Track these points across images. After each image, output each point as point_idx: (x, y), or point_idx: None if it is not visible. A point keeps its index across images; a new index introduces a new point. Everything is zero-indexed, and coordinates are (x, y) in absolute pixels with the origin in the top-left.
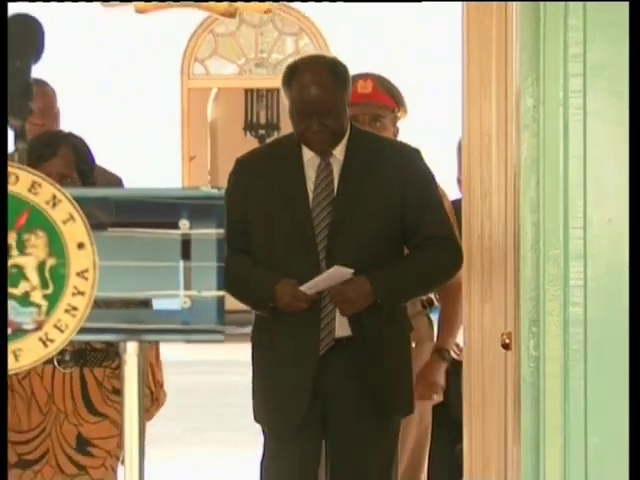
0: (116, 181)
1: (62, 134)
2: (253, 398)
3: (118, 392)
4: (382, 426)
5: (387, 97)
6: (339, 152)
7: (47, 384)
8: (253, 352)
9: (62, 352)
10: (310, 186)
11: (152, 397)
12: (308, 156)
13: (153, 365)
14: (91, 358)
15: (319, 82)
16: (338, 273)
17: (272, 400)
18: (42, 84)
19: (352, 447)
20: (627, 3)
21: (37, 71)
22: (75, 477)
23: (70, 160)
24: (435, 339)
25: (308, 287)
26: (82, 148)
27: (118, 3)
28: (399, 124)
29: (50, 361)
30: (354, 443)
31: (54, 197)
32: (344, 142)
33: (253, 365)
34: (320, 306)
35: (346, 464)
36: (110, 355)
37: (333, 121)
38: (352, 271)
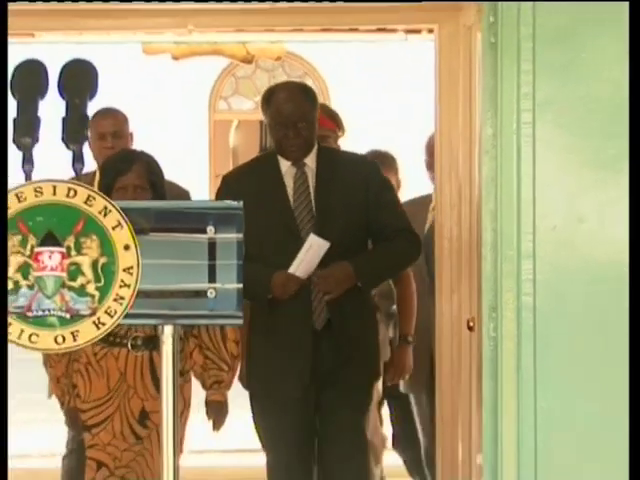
0: (184, 193)
1: (136, 152)
2: (247, 367)
3: (180, 373)
4: (364, 389)
5: (330, 121)
6: (311, 162)
7: (121, 365)
8: (250, 333)
9: (135, 338)
10: (290, 192)
11: (228, 368)
12: (285, 167)
13: (229, 340)
14: (156, 340)
15: (293, 99)
16: (316, 243)
17: (274, 372)
18: (114, 112)
19: (342, 400)
20: (569, 49)
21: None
22: (132, 445)
23: (142, 173)
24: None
25: (295, 266)
26: (153, 164)
27: (159, 51)
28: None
29: (124, 345)
30: (343, 401)
31: (105, 208)
32: (314, 154)
33: (251, 338)
34: (310, 297)
35: (337, 415)
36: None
37: (305, 131)
38: (328, 243)
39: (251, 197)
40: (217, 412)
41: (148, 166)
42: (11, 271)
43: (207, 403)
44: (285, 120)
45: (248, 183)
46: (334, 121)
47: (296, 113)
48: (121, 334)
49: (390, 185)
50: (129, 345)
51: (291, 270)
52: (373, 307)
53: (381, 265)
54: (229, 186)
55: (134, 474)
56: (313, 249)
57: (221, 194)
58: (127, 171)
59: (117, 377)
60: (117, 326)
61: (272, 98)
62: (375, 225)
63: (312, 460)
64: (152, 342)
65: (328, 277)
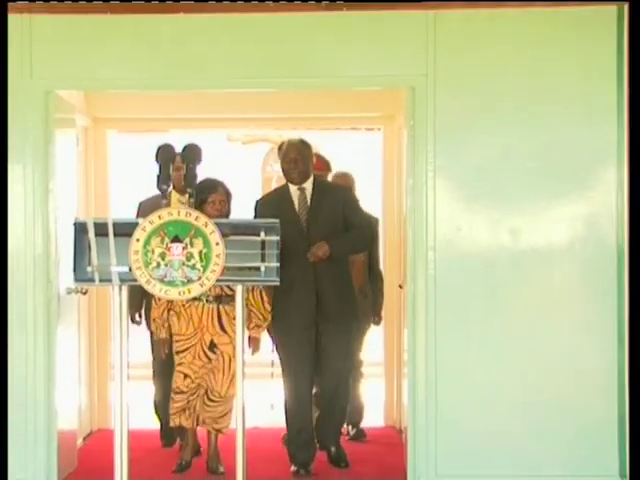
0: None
1: (217, 180)
2: (273, 319)
3: (234, 318)
4: (351, 325)
5: (323, 164)
6: (308, 186)
7: (199, 312)
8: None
9: (209, 296)
10: (295, 204)
11: (264, 317)
12: (292, 190)
13: (265, 300)
14: (224, 299)
15: (296, 148)
16: None
17: (287, 315)
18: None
19: (336, 335)
20: (456, 139)
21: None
22: (205, 364)
23: (224, 194)
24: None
25: None
26: (227, 188)
27: (235, 139)
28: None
29: (201, 300)
30: (338, 335)
31: (206, 223)
32: (310, 182)
33: (274, 297)
34: (308, 266)
35: (333, 348)
36: (228, 298)
37: (302, 165)
38: None
39: (274, 210)
40: (255, 344)
41: (226, 189)
42: (155, 256)
43: (250, 339)
44: (291, 160)
45: (272, 202)
46: (325, 164)
47: (297, 156)
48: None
49: (357, 199)
50: (204, 300)
51: None
52: (349, 273)
53: (346, 245)
54: (261, 207)
55: (206, 383)
56: None
57: (258, 210)
58: (215, 191)
59: (197, 320)
60: (212, 290)
61: (283, 146)
62: (347, 222)
63: (313, 372)
64: (219, 299)
65: (316, 250)
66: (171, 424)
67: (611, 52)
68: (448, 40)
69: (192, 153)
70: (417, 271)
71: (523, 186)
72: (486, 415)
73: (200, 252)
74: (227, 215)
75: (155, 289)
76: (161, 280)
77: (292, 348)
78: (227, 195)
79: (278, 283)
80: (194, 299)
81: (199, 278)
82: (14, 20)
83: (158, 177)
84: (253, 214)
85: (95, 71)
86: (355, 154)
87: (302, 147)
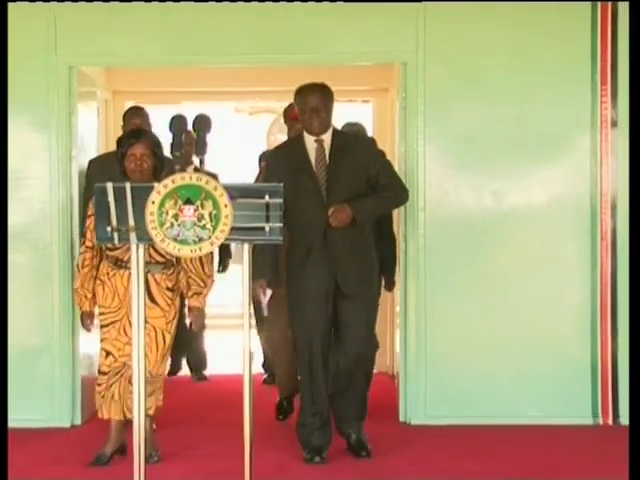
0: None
1: (141, 130)
2: (290, 289)
3: (170, 289)
4: (367, 300)
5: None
6: (327, 139)
7: (125, 282)
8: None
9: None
10: (312, 160)
11: (204, 283)
12: (309, 143)
13: (205, 264)
14: (153, 267)
15: (319, 94)
16: None
17: (306, 288)
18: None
19: (355, 302)
20: (444, 110)
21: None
22: (131, 341)
23: (147, 147)
24: None
25: None
26: (155, 138)
27: (242, 110)
28: None
29: (128, 267)
30: (357, 301)
31: (215, 186)
32: (329, 134)
33: (290, 270)
34: (326, 234)
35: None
36: (167, 265)
37: (324, 113)
38: None
39: (289, 165)
40: (196, 315)
41: (150, 140)
42: (169, 217)
43: (189, 309)
44: (310, 107)
45: (285, 156)
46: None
47: (318, 102)
48: (125, 260)
49: (383, 154)
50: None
51: None
52: (369, 238)
53: (370, 208)
54: (273, 160)
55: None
56: None
57: (268, 162)
58: (136, 143)
59: (122, 291)
60: (122, 253)
61: (302, 92)
62: (373, 181)
63: (329, 347)
64: (146, 266)
65: (336, 212)
66: (99, 416)
67: (586, 32)
68: (437, 19)
69: (203, 123)
70: (408, 231)
71: (505, 153)
72: (471, 362)
73: (210, 213)
74: (152, 170)
75: (169, 247)
76: (174, 239)
77: (306, 321)
78: (151, 147)
79: (281, 242)
80: (119, 267)
81: (209, 237)
82: (40, 5)
83: (171, 144)
84: (258, 164)
85: (114, 48)
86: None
87: (325, 93)
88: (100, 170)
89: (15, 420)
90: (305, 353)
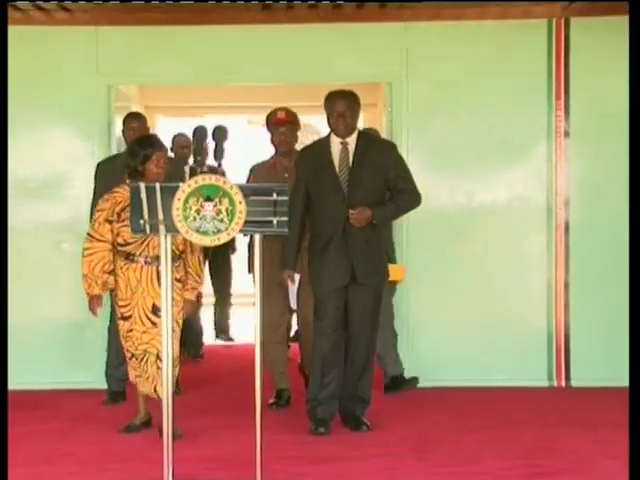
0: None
1: (157, 136)
2: (310, 276)
3: (178, 280)
4: (376, 288)
5: (290, 117)
6: (351, 141)
7: (137, 274)
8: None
9: (147, 257)
10: (336, 161)
11: (200, 279)
12: (334, 144)
13: (200, 262)
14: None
15: (346, 101)
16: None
17: (324, 276)
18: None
19: (364, 296)
20: (424, 123)
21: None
22: (149, 330)
23: (165, 154)
24: None
25: None
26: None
27: (255, 122)
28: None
29: (138, 262)
30: (365, 295)
31: (232, 186)
32: (354, 136)
33: (311, 259)
34: (346, 232)
35: (361, 306)
36: (174, 258)
37: (350, 118)
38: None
39: (315, 164)
40: (189, 307)
41: (165, 148)
42: (192, 212)
43: (185, 301)
44: (339, 112)
45: (313, 155)
46: (292, 117)
47: (346, 107)
48: (136, 254)
49: (402, 158)
50: (143, 261)
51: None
52: (383, 236)
53: (389, 211)
54: (302, 158)
55: (154, 348)
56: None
57: (299, 162)
58: (160, 149)
59: (135, 283)
60: (134, 248)
61: (332, 97)
62: (392, 184)
63: (342, 325)
64: (158, 259)
65: (358, 214)
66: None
67: (542, 57)
68: (417, 47)
69: (221, 132)
70: (396, 222)
71: (475, 158)
72: (446, 332)
73: (227, 209)
74: (166, 173)
75: (192, 237)
76: (197, 230)
77: (327, 309)
78: (167, 154)
79: (286, 232)
80: (130, 261)
81: (226, 229)
82: (84, 29)
83: (194, 150)
84: (249, 174)
85: (147, 69)
86: None
87: (351, 99)
88: (104, 170)
89: (63, 382)
90: (319, 324)
